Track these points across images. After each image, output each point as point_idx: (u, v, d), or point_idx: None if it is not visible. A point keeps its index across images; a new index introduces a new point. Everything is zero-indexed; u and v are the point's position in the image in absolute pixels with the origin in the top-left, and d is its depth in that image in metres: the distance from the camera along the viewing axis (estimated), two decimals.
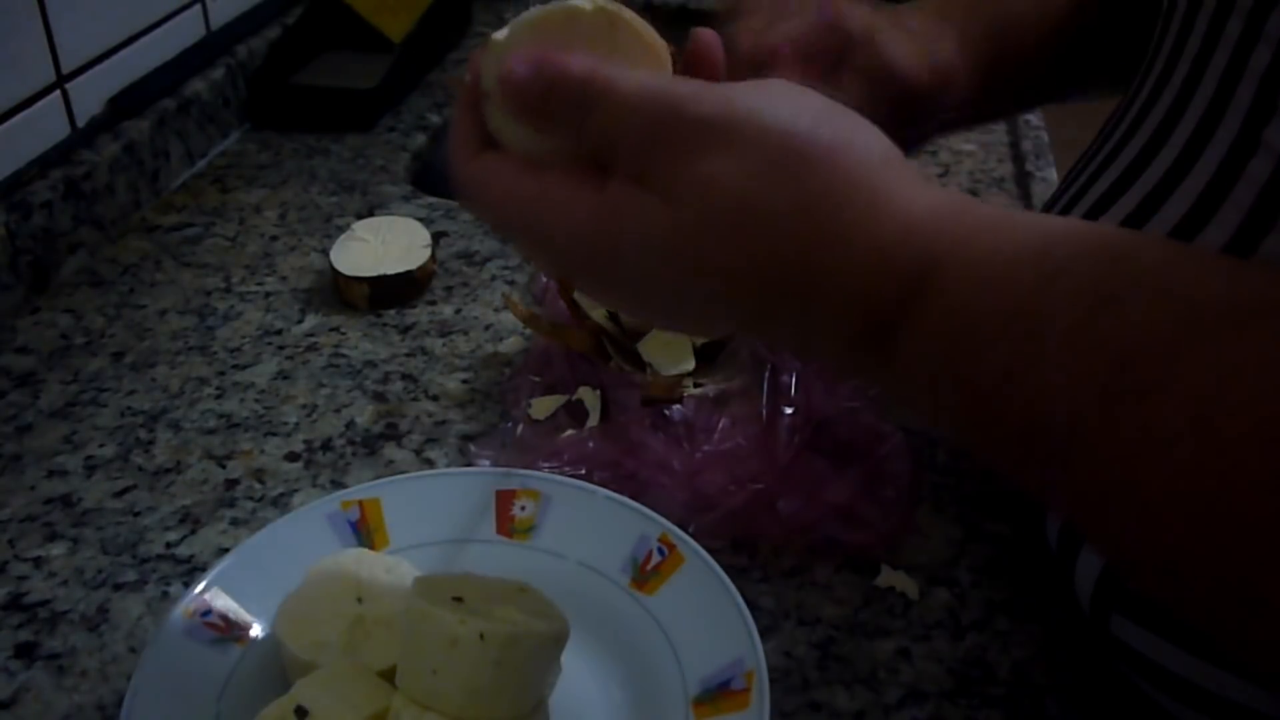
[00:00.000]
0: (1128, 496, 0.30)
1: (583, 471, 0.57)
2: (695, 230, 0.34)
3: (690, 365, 0.62)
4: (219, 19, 0.99)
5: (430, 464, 0.62)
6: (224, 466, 0.62)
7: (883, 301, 0.34)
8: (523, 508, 0.54)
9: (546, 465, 0.57)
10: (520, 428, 0.61)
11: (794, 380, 0.58)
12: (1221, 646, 0.33)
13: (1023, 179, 0.92)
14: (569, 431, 0.60)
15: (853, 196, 0.34)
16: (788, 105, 0.35)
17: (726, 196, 0.34)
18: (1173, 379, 0.28)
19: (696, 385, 0.61)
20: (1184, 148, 0.44)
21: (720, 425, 0.57)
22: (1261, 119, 0.41)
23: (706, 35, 0.39)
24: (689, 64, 0.39)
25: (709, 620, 0.48)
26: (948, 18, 0.61)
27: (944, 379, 0.33)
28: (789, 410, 0.57)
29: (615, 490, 0.54)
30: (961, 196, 0.35)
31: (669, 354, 0.62)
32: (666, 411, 0.58)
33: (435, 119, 1.04)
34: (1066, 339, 0.30)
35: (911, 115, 0.58)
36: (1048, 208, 0.55)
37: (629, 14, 0.38)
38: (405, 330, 0.73)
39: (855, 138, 0.35)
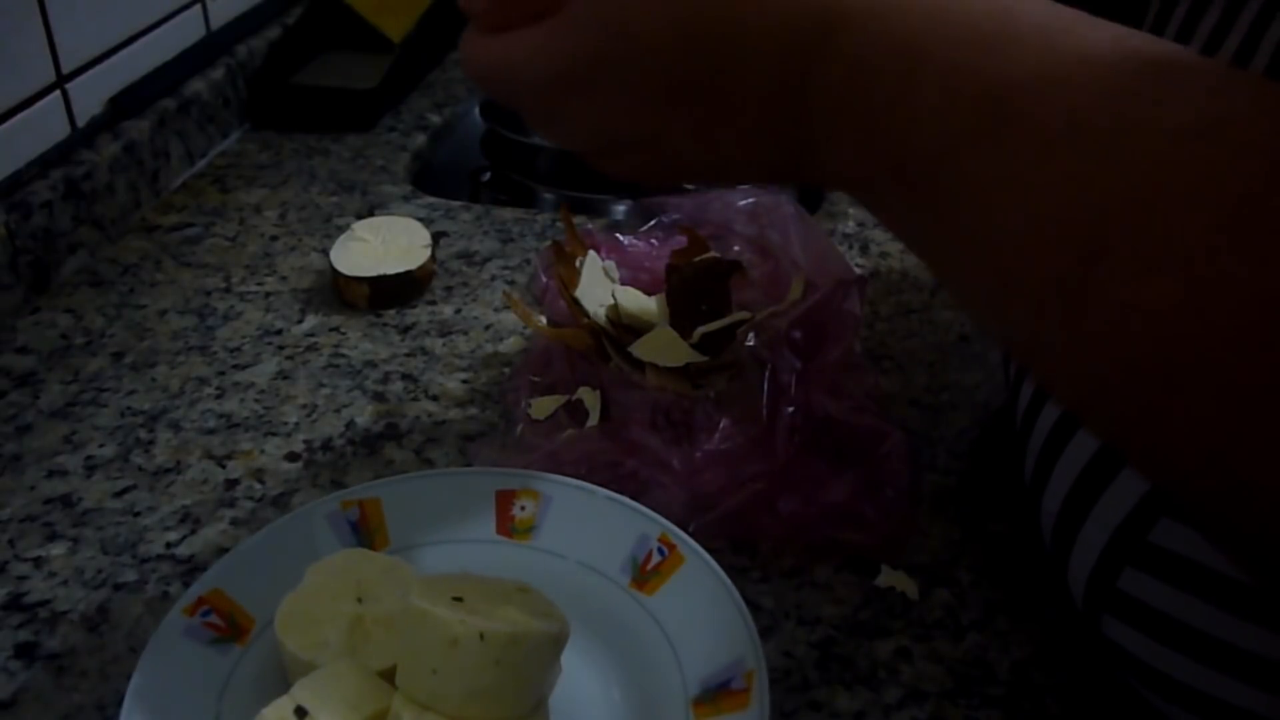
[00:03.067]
0: (980, 229, 0.30)
1: (583, 471, 0.57)
2: (610, 12, 0.36)
3: (693, 357, 0.62)
4: (219, 19, 0.99)
5: (430, 464, 0.62)
6: (224, 466, 0.62)
7: (797, 35, 0.34)
8: (523, 508, 0.54)
9: (546, 465, 0.57)
10: (520, 428, 0.61)
11: (794, 380, 0.58)
12: (1053, 389, 0.33)
13: None
14: (569, 431, 0.60)
15: None
16: None
17: None
18: (1029, 113, 0.29)
19: (696, 386, 0.62)
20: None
21: (720, 425, 0.57)
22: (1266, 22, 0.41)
23: None
24: None
25: (709, 620, 0.48)
26: None
27: (842, 111, 0.34)
28: (789, 410, 0.57)
29: (615, 490, 0.54)
30: None
31: (667, 354, 0.62)
32: (667, 412, 0.59)
33: (435, 119, 1.04)
34: (943, 73, 0.31)
35: None
36: None
37: None
38: (405, 330, 0.73)
39: None
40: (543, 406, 0.63)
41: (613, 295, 0.66)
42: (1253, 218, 0.25)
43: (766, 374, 0.59)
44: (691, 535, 0.51)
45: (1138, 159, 0.27)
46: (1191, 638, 0.42)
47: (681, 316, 0.63)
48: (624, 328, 0.65)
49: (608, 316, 0.66)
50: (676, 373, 0.62)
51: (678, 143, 0.38)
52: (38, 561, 0.56)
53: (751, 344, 0.62)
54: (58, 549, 0.56)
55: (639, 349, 0.63)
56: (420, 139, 1.00)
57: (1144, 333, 0.27)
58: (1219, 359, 0.25)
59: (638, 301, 0.66)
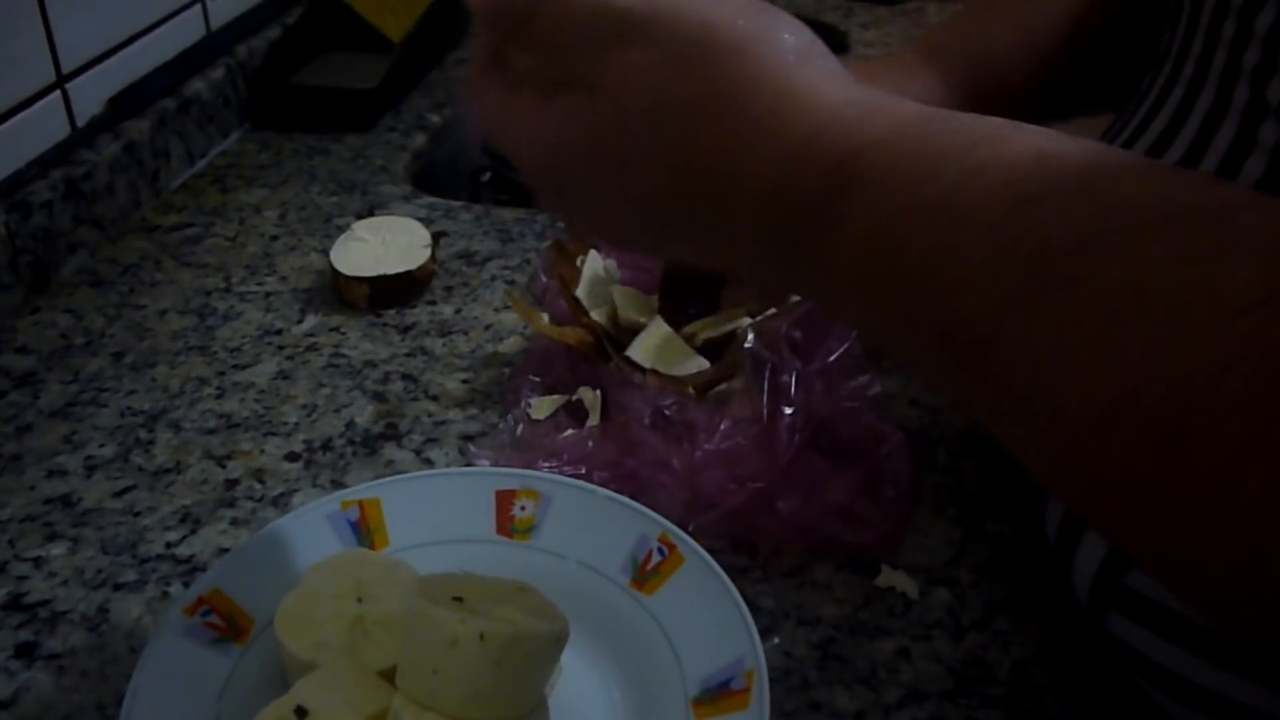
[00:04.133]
0: (1042, 399, 0.29)
1: (583, 471, 0.57)
2: (614, 123, 0.35)
3: (697, 366, 0.62)
4: (219, 19, 0.99)
5: (430, 464, 0.62)
6: (224, 466, 0.62)
7: (801, 196, 0.33)
8: (523, 508, 0.54)
9: (546, 465, 0.57)
10: (520, 428, 0.61)
11: (794, 380, 0.58)
12: (1139, 562, 0.31)
13: None
14: (569, 431, 0.60)
15: (761, 89, 0.33)
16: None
17: (640, 88, 0.34)
18: (1086, 279, 0.28)
19: (694, 388, 0.62)
20: (1189, 148, 0.44)
21: (720, 425, 0.57)
22: (1257, 118, 0.41)
23: None
24: None
25: (709, 620, 0.48)
26: (935, 55, 0.64)
27: (868, 275, 0.32)
28: (789, 410, 0.57)
29: (615, 490, 0.54)
30: (880, 93, 0.34)
31: (666, 356, 0.62)
32: (667, 411, 0.58)
33: (435, 119, 1.04)
34: (986, 234, 0.29)
35: None
36: None
37: None
38: (405, 330, 0.73)
39: (770, 31, 0.35)
40: (543, 406, 0.63)
41: (611, 295, 0.66)
42: None
43: (766, 374, 0.59)
44: (691, 535, 0.51)
45: (1209, 335, 0.26)
46: (1198, 634, 0.42)
47: (671, 314, 0.64)
48: (624, 328, 0.65)
49: (607, 314, 0.66)
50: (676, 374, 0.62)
51: (671, 240, 0.37)
52: (38, 561, 0.56)
53: (751, 344, 0.62)
54: (58, 549, 0.56)
55: (637, 351, 0.63)
56: (420, 139, 1.00)
57: (1243, 525, 0.25)
58: None
59: (637, 301, 0.66)
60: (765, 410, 0.57)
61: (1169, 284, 0.27)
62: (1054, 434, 0.29)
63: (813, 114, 0.33)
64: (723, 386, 0.61)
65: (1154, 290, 0.27)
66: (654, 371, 0.62)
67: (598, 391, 0.62)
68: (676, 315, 0.64)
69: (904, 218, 0.31)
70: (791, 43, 0.35)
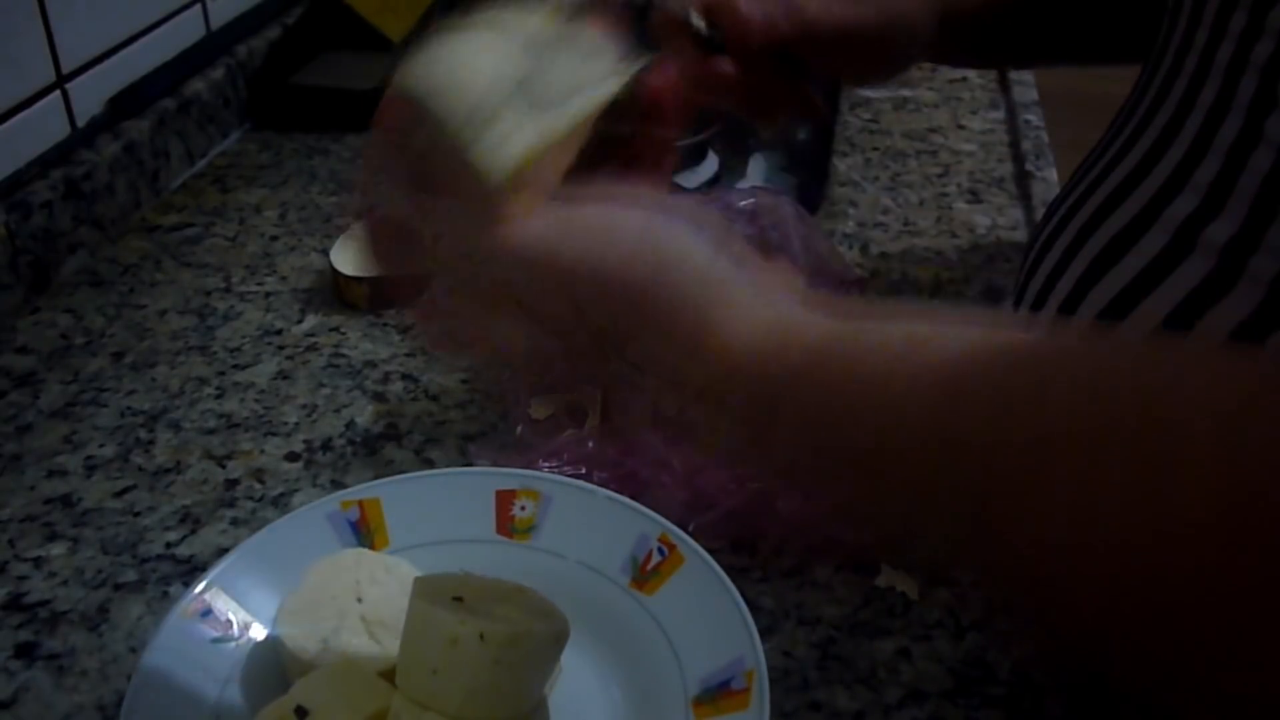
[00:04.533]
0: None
1: (583, 471, 0.57)
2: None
3: None
4: (219, 19, 0.99)
5: (430, 464, 0.62)
6: (224, 466, 0.62)
7: (739, 407, 0.36)
8: (523, 508, 0.54)
9: (546, 465, 0.57)
10: (520, 428, 0.61)
11: None
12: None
13: (1023, 179, 0.92)
14: (569, 431, 0.60)
15: (679, 325, 0.36)
16: (602, 239, 0.37)
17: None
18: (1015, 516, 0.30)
19: None
20: (1193, 142, 0.44)
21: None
22: (1263, 111, 0.41)
23: (667, 77, 0.43)
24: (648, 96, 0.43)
25: (709, 620, 0.48)
26: None
27: (822, 454, 0.35)
28: None
29: (615, 490, 0.54)
30: (789, 317, 0.36)
31: None
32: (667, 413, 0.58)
33: None
34: (915, 476, 0.32)
35: (873, 56, 0.63)
36: (1054, 206, 0.55)
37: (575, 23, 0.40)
38: (405, 330, 0.73)
39: (682, 256, 0.36)
40: (542, 406, 0.63)
41: None
42: None
43: None
44: (691, 535, 0.51)
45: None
46: None
47: None
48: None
49: None
50: None
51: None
52: (38, 561, 0.56)
53: None
54: (58, 549, 0.56)
55: None
56: None
57: None
58: None
59: None
60: None
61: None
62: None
63: (722, 359, 0.35)
64: None
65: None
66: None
67: (598, 392, 0.62)
68: None
69: (840, 430, 0.34)
70: (694, 272, 0.36)
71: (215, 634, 0.47)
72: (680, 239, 0.37)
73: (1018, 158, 0.96)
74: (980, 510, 0.31)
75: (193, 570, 0.55)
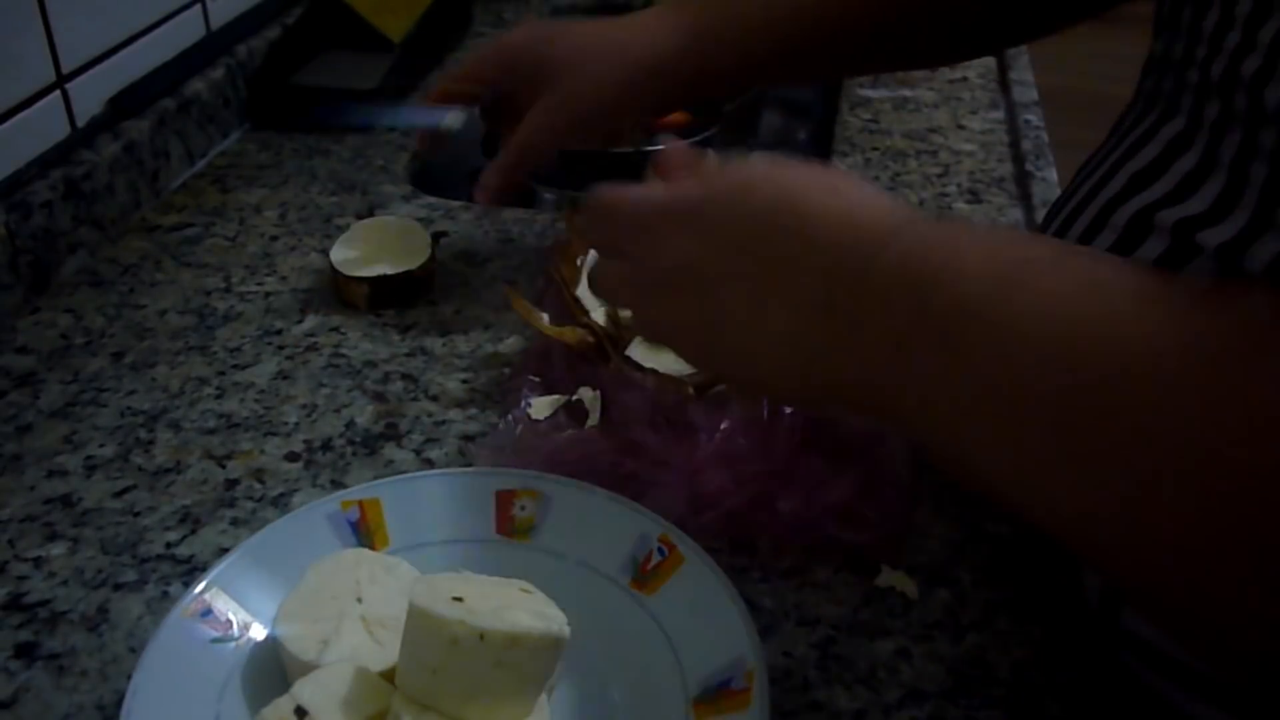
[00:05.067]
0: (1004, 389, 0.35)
1: (583, 471, 0.56)
2: (744, 180, 0.45)
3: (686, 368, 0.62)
4: (219, 19, 0.99)
5: (430, 464, 0.62)
6: (224, 466, 0.62)
7: (865, 237, 0.41)
8: (523, 508, 0.54)
9: (546, 466, 0.57)
10: (520, 428, 0.61)
11: None
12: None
13: (1023, 179, 0.92)
14: (569, 432, 0.60)
15: (811, 199, 0.43)
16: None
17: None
18: (1049, 275, 0.36)
19: (693, 388, 0.61)
20: (1201, 155, 0.45)
21: (721, 425, 0.57)
22: (1257, 123, 0.41)
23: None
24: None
25: (709, 620, 0.48)
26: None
27: (894, 289, 0.39)
28: (789, 410, 0.57)
29: (615, 490, 0.54)
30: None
31: (668, 355, 0.62)
32: (667, 413, 0.58)
33: None
34: (981, 252, 0.38)
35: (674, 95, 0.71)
36: (1056, 208, 0.55)
37: None
38: (405, 330, 0.73)
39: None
40: (543, 406, 0.63)
41: None
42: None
43: None
44: (691, 535, 0.51)
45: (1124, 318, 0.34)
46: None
47: None
48: (624, 328, 0.65)
49: (607, 314, 0.66)
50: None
51: (732, 298, 0.43)
52: (38, 561, 0.56)
53: None
54: (58, 549, 0.56)
55: (637, 351, 0.63)
56: None
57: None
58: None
59: None
60: (765, 410, 0.57)
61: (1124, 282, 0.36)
62: (1011, 393, 0.35)
63: (873, 200, 0.42)
64: (722, 386, 0.61)
65: (1108, 281, 0.36)
66: (654, 371, 0.62)
67: (598, 392, 0.62)
68: None
69: (929, 242, 0.39)
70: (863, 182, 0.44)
71: (215, 634, 0.47)
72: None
73: (1018, 158, 0.96)
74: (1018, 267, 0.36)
75: (193, 570, 0.55)
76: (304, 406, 0.66)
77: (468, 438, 0.64)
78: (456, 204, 0.88)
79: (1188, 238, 0.43)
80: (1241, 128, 0.42)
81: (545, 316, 0.68)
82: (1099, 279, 0.36)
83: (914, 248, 0.39)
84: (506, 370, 0.69)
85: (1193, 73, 0.45)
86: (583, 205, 0.50)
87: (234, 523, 0.58)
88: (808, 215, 0.42)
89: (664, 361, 0.62)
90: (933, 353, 0.37)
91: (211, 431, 0.64)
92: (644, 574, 0.51)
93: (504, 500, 0.54)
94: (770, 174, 0.44)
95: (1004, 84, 1.09)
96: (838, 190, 0.43)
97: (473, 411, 0.66)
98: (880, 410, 0.41)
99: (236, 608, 0.49)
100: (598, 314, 0.66)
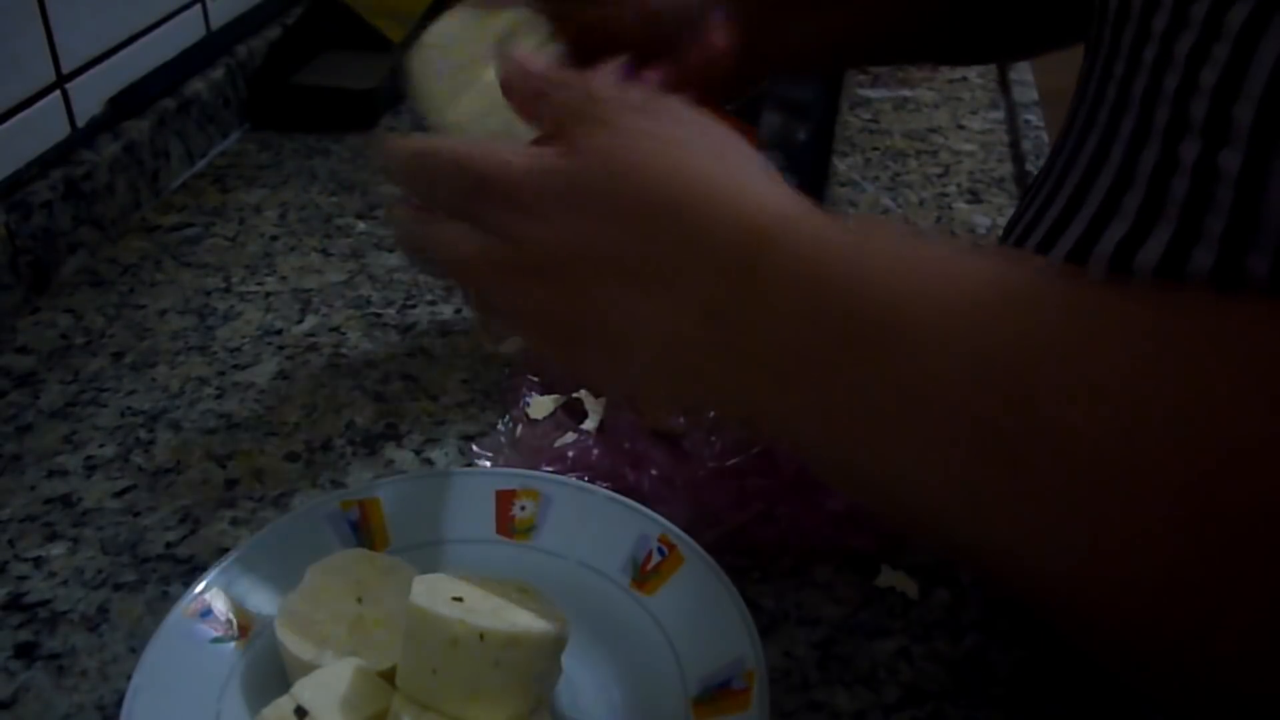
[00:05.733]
0: (926, 388, 0.33)
1: (584, 480, 0.56)
2: (595, 171, 0.39)
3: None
4: (219, 19, 0.99)
5: (430, 464, 0.62)
6: (224, 466, 0.62)
7: (746, 234, 0.37)
8: (523, 508, 0.54)
9: (548, 470, 0.57)
10: (520, 428, 0.61)
11: None
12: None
13: (1023, 179, 0.92)
14: (569, 434, 0.60)
15: (712, 196, 0.38)
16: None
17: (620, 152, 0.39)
18: (963, 278, 0.34)
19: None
20: (1118, 171, 0.45)
21: (722, 441, 0.56)
22: (1176, 138, 0.41)
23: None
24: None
25: (709, 620, 0.48)
26: None
27: (788, 293, 0.35)
28: None
29: None
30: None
31: None
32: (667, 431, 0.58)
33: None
34: (890, 256, 0.35)
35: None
36: (1006, 234, 0.55)
37: None
38: (405, 330, 0.73)
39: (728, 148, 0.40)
40: (541, 406, 0.63)
41: None
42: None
43: None
44: None
45: (1050, 311, 0.31)
46: None
47: None
48: None
49: None
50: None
51: (606, 296, 0.39)
52: (38, 561, 0.56)
53: None
54: (58, 549, 0.56)
55: None
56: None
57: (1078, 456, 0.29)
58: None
59: None
60: None
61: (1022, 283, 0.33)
62: (925, 415, 0.33)
63: (763, 208, 0.37)
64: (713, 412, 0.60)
65: (1013, 284, 0.34)
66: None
67: (601, 398, 0.62)
68: None
69: (826, 241, 0.36)
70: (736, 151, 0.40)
71: (215, 634, 0.47)
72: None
73: (1018, 158, 0.96)
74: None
75: (193, 570, 0.55)
76: (304, 406, 0.66)
77: (468, 438, 0.64)
78: None
79: (1125, 264, 0.43)
80: (1161, 142, 0.42)
81: None
82: (1015, 285, 0.33)
83: (808, 246, 0.35)
84: (506, 370, 0.69)
85: (1111, 88, 0.46)
86: (399, 142, 0.44)
87: (234, 523, 0.58)
88: (694, 201, 0.37)
89: None
90: (838, 367, 0.34)
91: (211, 431, 0.64)
92: (644, 574, 0.51)
93: (504, 500, 0.54)
94: (650, 144, 0.39)
95: (1004, 84, 1.09)
96: (726, 168, 0.39)
97: (473, 411, 0.66)
98: (759, 422, 0.38)
99: (236, 608, 0.49)
100: None
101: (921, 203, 0.88)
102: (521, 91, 0.44)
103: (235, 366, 0.70)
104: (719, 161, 0.39)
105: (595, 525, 0.53)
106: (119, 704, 0.44)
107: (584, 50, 0.53)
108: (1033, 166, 0.93)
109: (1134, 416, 0.29)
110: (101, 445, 0.63)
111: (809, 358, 0.34)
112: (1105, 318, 0.31)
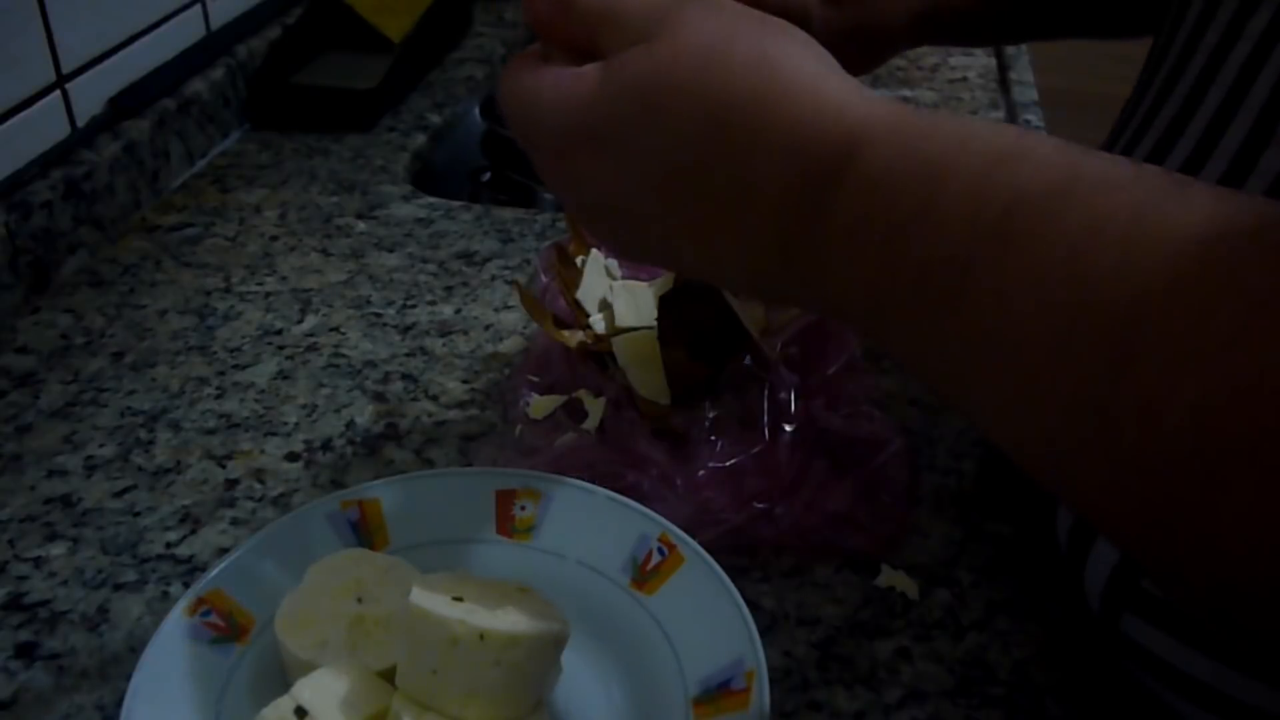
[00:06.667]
0: (1006, 332, 0.30)
1: (584, 479, 0.56)
2: (650, 77, 0.36)
3: (665, 399, 0.61)
4: (219, 19, 0.99)
5: (430, 464, 0.62)
6: (224, 466, 0.62)
7: (815, 170, 0.34)
8: (523, 508, 0.54)
9: (548, 470, 0.57)
10: (520, 428, 0.61)
11: (792, 396, 0.58)
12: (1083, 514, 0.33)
13: None
14: (570, 434, 0.60)
15: (777, 74, 0.36)
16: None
17: (654, 68, 0.36)
18: (1053, 218, 0.30)
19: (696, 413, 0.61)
20: (1198, 143, 0.44)
21: (719, 444, 0.56)
22: (1276, 113, 0.41)
23: None
24: None
25: (709, 620, 0.48)
26: None
27: (862, 227, 0.34)
28: (790, 429, 0.57)
29: None
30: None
31: (646, 364, 0.61)
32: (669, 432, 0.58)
33: (435, 119, 1.04)
34: (965, 186, 0.32)
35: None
36: None
37: None
38: (405, 330, 0.73)
39: (786, 37, 0.37)
40: (541, 406, 0.62)
41: (610, 289, 0.66)
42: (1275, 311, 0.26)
43: (765, 392, 0.58)
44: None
45: (1159, 260, 0.28)
46: (1215, 637, 0.42)
47: (669, 336, 0.62)
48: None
49: (606, 320, 0.65)
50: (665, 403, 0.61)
51: (672, 236, 0.38)
52: (38, 561, 0.56)
53: (748, 362, 0.61)
54: (58, 549, 0.56)
55: (621, 347, 0.61)
56: (420, 139, 1.00)
57: (1179, 430, 0.27)
58: (1261, 448, 0.25)
59: (636, 295, 0.65)
60: (766, 429, 0.57)
61: (1126, 219, 0.29)
62: (1014, 371, 0.31)
63: (824, 94, 0.35)
64: (714, 414, 0.60)
65: (1112, 224, 0.29)
66: (642, 399, 0.61)
67: (601, 398, 0.62)
68: (674, 336, 0.62)
69: (899, 172, 0.33)
70: (806, 48, 0.37)
71: (215, 634, 0.47)
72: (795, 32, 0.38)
73: None
74: (1010, 215, 0.30)
75: (193, 570, 0.55)
76: (304, 406, 0.66)
77: (468, 438, 0.64)
78: (456, 204, 0.88)
79: None
80: (1256, 114, 0.42)
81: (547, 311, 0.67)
82: (1107, 222, 0.30)
83: (880, 180, 0.33)
84: (506, 370, 0.69)
85: (1197, 59, 0.45)
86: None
87: (234, 523, 0.58)
88: (743, 134, 0.35)
89: (648, 386, 0.61)
90: (913, 309, 0.33)
91: (211, 431, 0.64)
92: (644, 574, 0.51)
93: (504, 500, 0.54)
94: (682, 65, 0.36)
95: (1004, 84, 1.09)
96: (775, 83, 0.35)
97: (473, 411, 0.66)
98: (867, 334, 0.37)
99: (236, 608, 0.49)
100: (597, 319, 0.65)
101: None
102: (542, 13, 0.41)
103: (235, 366, 0.70)
104: (762, 63, 0.36)
105: (595, 525, 0.53)
106: (119, 704, 0.44)
107: None
108: None
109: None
110: (101, 445, 0.63)
111: (885, 300, 0.34)
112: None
